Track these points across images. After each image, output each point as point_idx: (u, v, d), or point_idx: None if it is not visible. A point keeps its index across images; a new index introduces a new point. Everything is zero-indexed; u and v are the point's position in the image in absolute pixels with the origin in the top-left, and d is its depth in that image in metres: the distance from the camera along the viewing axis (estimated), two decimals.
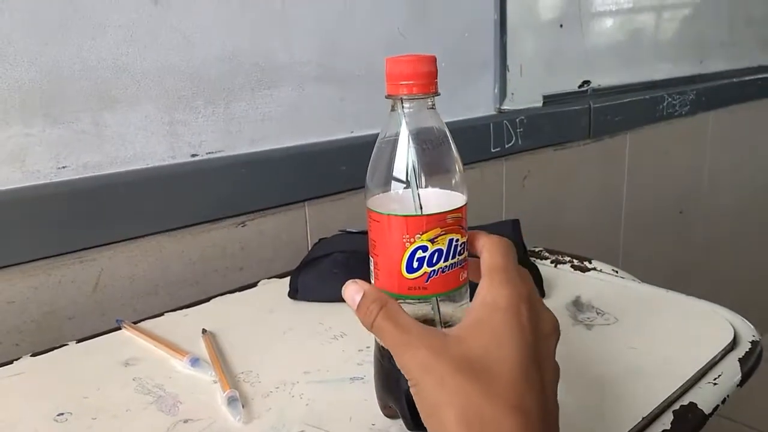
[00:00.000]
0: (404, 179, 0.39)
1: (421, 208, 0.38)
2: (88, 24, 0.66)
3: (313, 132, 0.86)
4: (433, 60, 0.39)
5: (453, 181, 0.40)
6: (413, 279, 0.38)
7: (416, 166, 0.38)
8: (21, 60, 0.63)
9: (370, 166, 0.40)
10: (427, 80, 0.38)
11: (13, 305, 0.65)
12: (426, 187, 0.39)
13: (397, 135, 0.39)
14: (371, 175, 0.40)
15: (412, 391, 0.34)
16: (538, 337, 0.35)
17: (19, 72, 0.63)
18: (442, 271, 0.38)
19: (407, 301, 0.39)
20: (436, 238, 0.38)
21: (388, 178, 0.39)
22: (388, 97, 0.39)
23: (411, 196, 0.39)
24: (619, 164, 1.39)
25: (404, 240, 0.38)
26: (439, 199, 0.39)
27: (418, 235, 0.38)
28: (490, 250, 0.38)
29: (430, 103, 0.39)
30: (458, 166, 0.40)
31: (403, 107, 0.39)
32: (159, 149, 0.73)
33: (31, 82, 0.64)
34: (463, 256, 0.39)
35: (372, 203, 0.40)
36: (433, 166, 0.39)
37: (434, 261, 0.38)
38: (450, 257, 0.38)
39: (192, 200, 0.75)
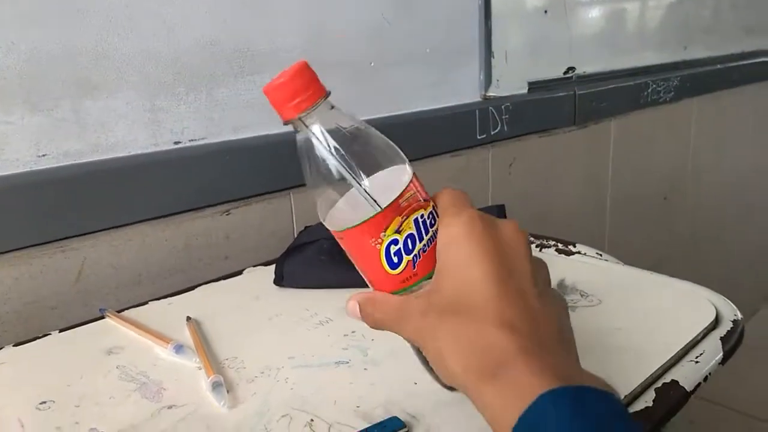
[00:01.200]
0: (345, 186, 0.37)
1: (375, 202, 0.37)
2: (69, 9, 0.65)
3: None
4: (305, 66, 0.37)
5: (389, 157, 0.38)
6: (401, 272, 0.38)
7: (351, 166, 0.37)
8: None
9: (308, 191, 0.39)
10: (312, 89, 0.37)
11: None
12: (369, 176, 0.37)
13: (315, 150, 0.37)
14: (313, 197, 0.39)
15: (424, 354, 0.36)
16: (501, 246, 0.36)
17: None
18: (423, 251, 0.37)
19: (409, 291, 0.38)
20: (400, 227, 0.37)
21: (330, 194, 0.38)
22: (286, 123, 0.38)
23: (362, 200, 0.37)
24: (604, 150, 1.40)
25: (372, 244, 0.37)
26: (385, 184, 0.37)
27: (383, 233, 0.37)
28: (440, 198, 0.39)
29: (329, 104, 0.37)
30: (385, 140, 0.38)
31: (305, 125, 0.37)
32: (141, 137, 0.73)
33: (10, 69, 0.63)
34: (437, 225, 0.38)
35: (328, 223, 0.39)
36: (364, 156, 0.37)
37: (410, 248, 0.37)
38: (424, 234, 0.37)
39: (175, 188, 0.74)
